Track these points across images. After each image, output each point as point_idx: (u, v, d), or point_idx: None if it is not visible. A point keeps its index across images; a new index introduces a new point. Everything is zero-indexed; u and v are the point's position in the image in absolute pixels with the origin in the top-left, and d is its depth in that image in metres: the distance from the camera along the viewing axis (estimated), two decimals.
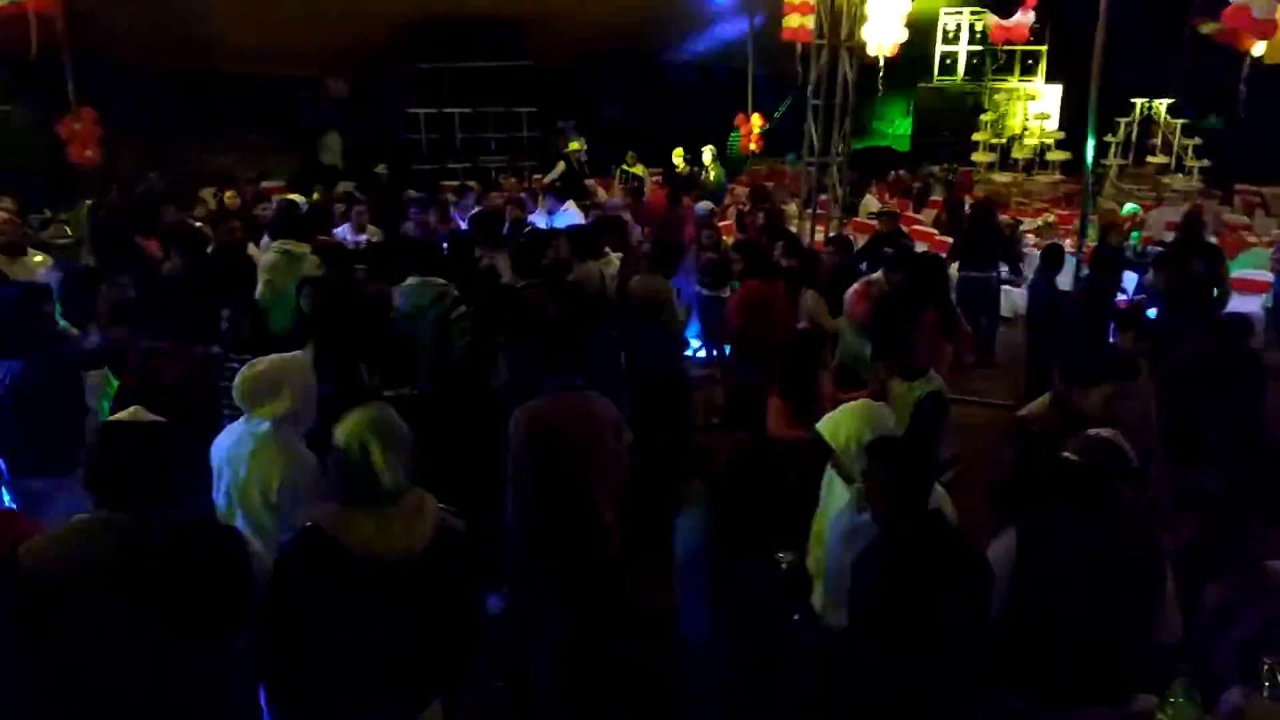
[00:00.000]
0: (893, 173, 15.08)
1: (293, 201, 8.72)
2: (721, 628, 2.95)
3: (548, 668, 3.95)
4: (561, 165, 13.48)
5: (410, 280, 5.53)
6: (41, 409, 4.02)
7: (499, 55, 15.07)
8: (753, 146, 14.26)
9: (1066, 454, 3.08)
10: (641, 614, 4.69)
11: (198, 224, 8.37)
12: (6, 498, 2.91)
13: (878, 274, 6.29)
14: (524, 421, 3.73)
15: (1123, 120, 15.59)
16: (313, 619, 2.41)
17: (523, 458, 3.69)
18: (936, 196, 13.58)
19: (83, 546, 2.24)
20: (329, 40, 14.47)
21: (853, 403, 3.58)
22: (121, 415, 2.36)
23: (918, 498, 2.86)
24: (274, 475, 3.35)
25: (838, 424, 3.44)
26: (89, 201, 9.38)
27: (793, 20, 10.79)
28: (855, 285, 6.23)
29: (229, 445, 3.48)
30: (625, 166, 13.80)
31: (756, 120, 14.09)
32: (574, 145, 14.13)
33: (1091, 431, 3.32)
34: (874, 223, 9.99)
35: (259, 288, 6.14)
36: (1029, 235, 11.37)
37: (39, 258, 6.63)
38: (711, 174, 12.92)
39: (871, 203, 11.89)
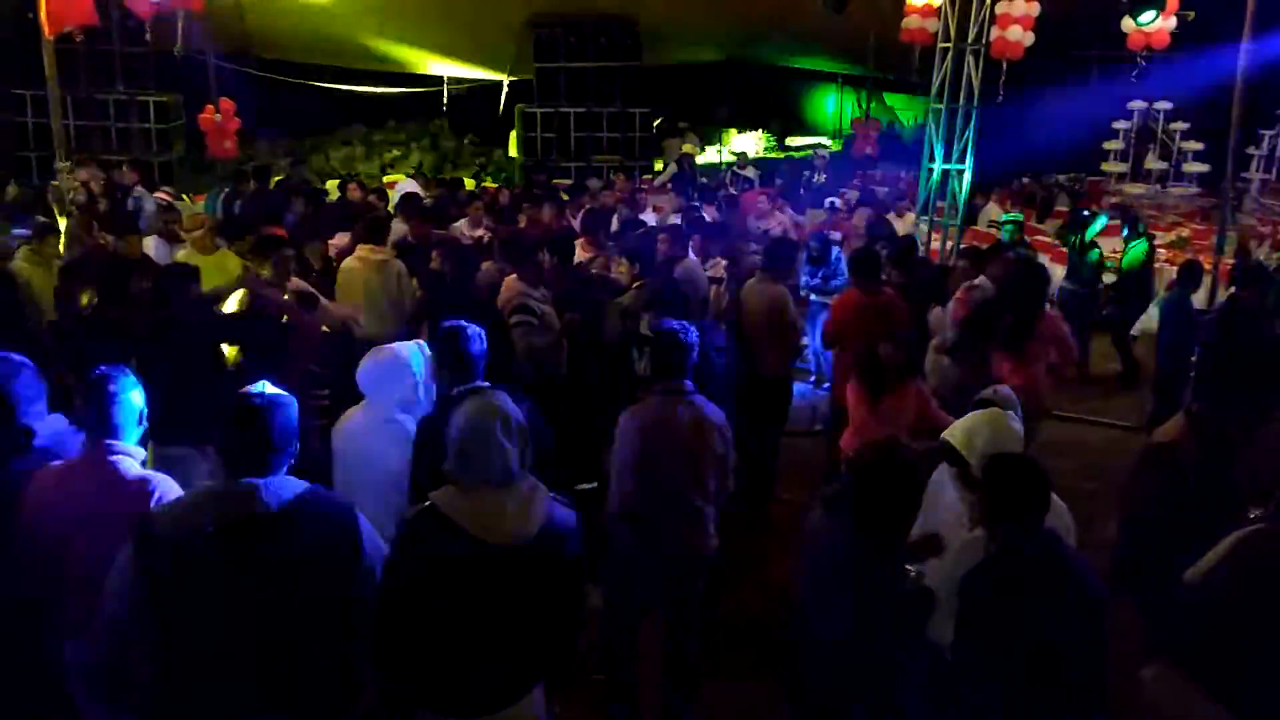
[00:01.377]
0: (1016, 180, 14.55)
1: (415, 194, 8.97)
2: (849, 633, 2.88)
3: (644, 663, 3.96)
4: (674, 166, 13.50)
5: None
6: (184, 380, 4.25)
7: (614, 56, 15.21)
8: (868, 150, 13.99)
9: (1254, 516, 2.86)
10: (736, 614, 4.69)
11: None
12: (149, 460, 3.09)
13: (980, 278, 6.08)
14: (632, 422, 3.75)
15: (1266, 133, 14.65)
16: (424, 596, 2.47)
17: (629, 457, 3.70)
18: (1062, 206, 13.05)
19: (209, 510, 2.34)
20: (451, 40, 14.90)
21: (984, 413, 3.48)
22: (250, 389, 2.45)
23: (1035, 518, 2.76)
24: (391, 457, 3.47)
25: (971, 434, 3.34)
26: (225, 190, 9.87)
27: (912, 22, 10.49)
28: (958, 291, 6.04)
29: (350, 427, 3.62)
30: (736, 169, 13.73)
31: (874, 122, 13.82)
32: (687, 147, 14.14)
33: None
34: (994, 231, 9.66)
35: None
36: (1159, 250, 10.78)
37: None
38: (820, 177, 12.76)
39: (993, 210, 11.50)
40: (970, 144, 9.25)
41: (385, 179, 13.66)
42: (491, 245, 7.51)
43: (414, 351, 3.68)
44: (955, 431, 3.43)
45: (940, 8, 9.24)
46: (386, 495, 3.41)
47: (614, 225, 8.13)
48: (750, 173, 13.42)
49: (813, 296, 7.77)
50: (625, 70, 15.28)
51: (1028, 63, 9.30)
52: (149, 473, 2.79)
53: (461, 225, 8.46)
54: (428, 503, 2.53)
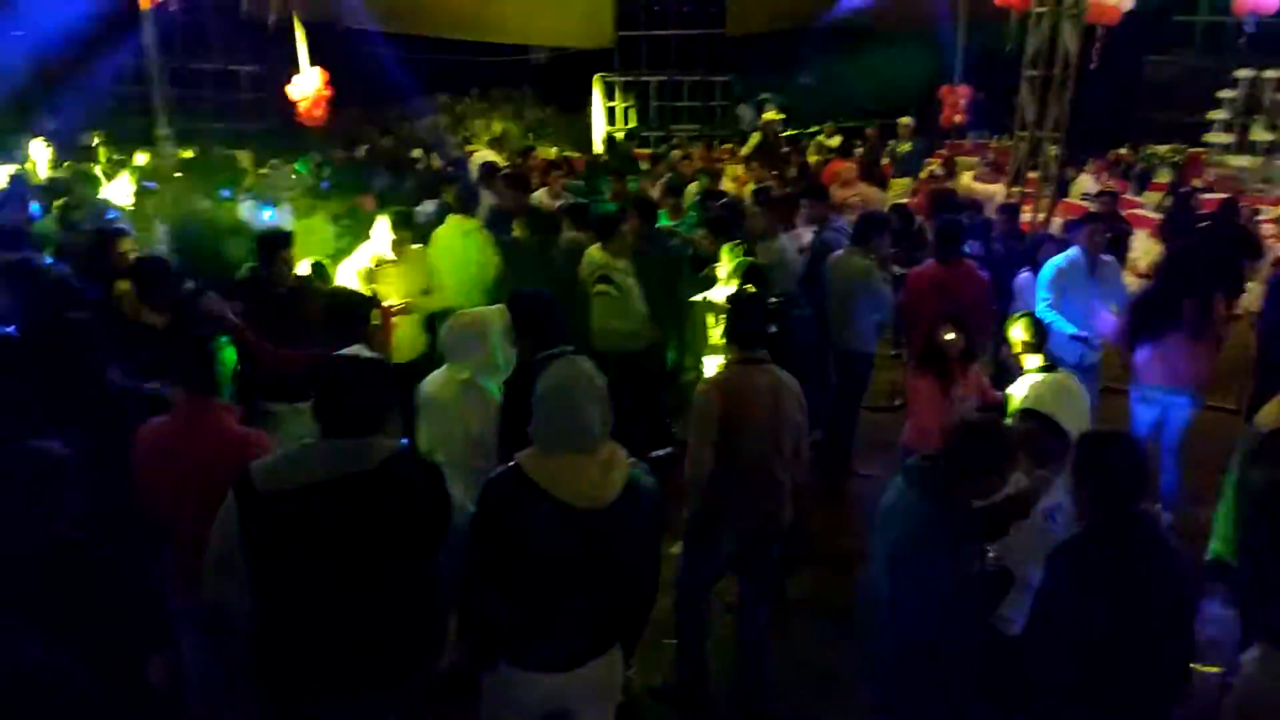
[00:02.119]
0: (1113, 151, 13.95)
1: (494, 163, 9.08)
2: (930, 609, 2.87)
3: (718, 631, 4.00)
4: (758, 136, 13.31)
5: None
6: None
7: (698, 23, 15.04)
8: (957, 119, 13.57)
9: None
10: (808, 586, 4.69)
11: None
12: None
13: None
14: (713, 391, 3.75)
15: None
16: (508, 555, 2.54)
17: (709, 426, 3.70)
18: (1160, 180, 12.48)
19: (306, 467, 2.44)
20: (532, 8, 14.92)
21: (1058, 377, 3.43)
22: (345, 351, 2.54)
23: (1133, 496, 2.70)
24: (471, 419, 3.58)
25: (1044, 399, 3.29)
26: (317, 159, 10.12)
27: None
28: None
29: (431, 389, 3.71)
30: (821, 139, 13.47)
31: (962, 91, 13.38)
32: (769, 115, 13.91)
33: None
34: (1087, 204, 9.31)
35: None
36: (1266, 225, 10.25)
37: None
38: (904, 146, 12.42)
39: (1087, 183, 11.06)
40: (1064, 113, 8.92)
41: (467, 149, 13.81)
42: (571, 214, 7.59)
43: (494, 317, 3.75)
44: (1032, 398, 3.36)
45: None
46: (464, 456, 3.50)
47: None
48: (833, 141, 13.17)
49: (896, 269, 7.62)
50: (708, 38, 15.11)
51: (1126, 28, 8.91)
52: (248, 429, 2.92)
53: (541, 195, 8.53)
54: (512, 463, 2.60)
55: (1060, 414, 3.66)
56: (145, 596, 2.50)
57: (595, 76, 15.79)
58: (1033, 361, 4.26)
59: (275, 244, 4.86)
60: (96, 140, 10.14)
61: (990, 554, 3.06)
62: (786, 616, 4.30)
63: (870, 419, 6.44)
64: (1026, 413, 3.75)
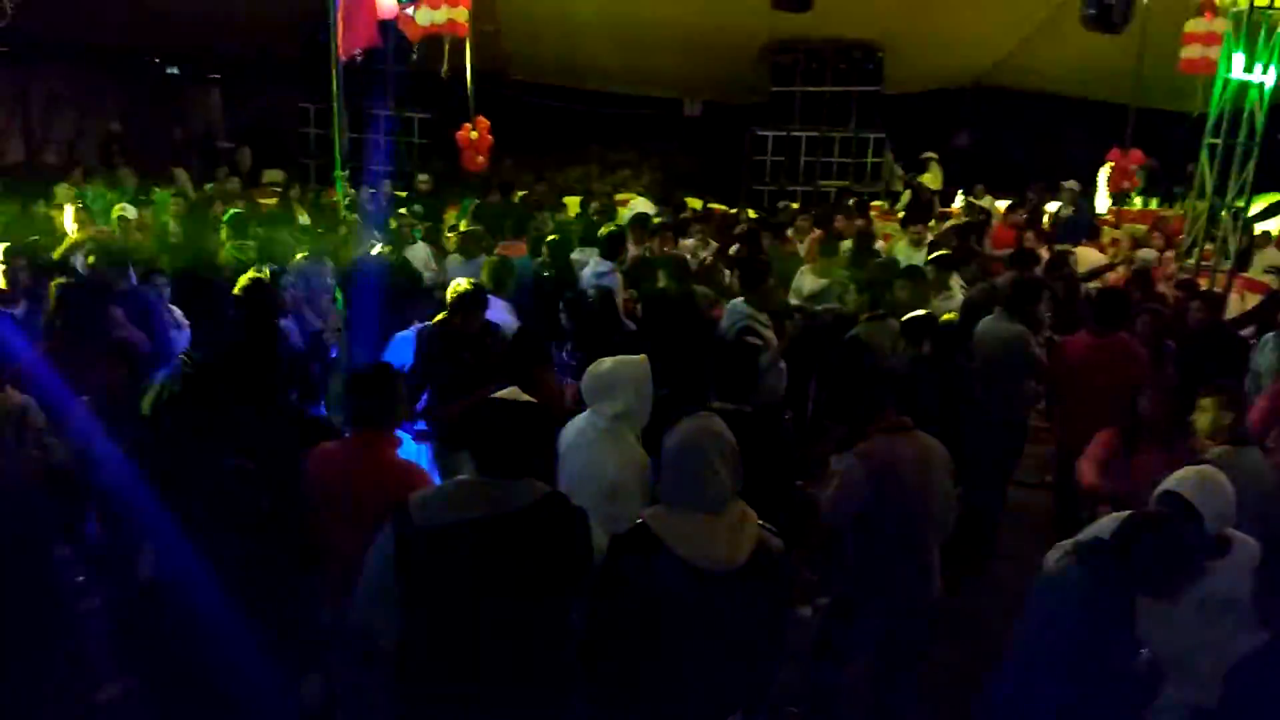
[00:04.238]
0: None
1: (645, 214, 9.27)
2: (1080, 698, 2.71)
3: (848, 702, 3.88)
4: (908, 194, 13.10)
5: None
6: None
7: (853, 80, 14.98)
8: (1125, 184, 12.95)
9: None
10: (948, 668, 4.48)
11: None
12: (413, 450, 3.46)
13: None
14: (862, 459, 3.66)
15: None
16: (632, 613, 2.54)
17: (855, 498, 3.63)
18: None
19: (461, 503, 2.54)
20: (689, 63, 15.24)
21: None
22: (502, 394, 2.64)
23: None
24: (608, 467, 3.61)
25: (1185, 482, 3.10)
26: (476, 201, 10.60)
27: (1193, 50, 9.67)
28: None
29: (572, 434, 3.79)
30: (972, 199, 13.12)
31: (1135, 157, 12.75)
32: (925, 177, 13.68)
33: None
34: (1269, 279, 8.68)
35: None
36: None
37: None
38: (1067, 210, 11.92)
39: (1273, 255, 10.29)
40: (1249, 183, 8.39)
41: (617, 197, 14.16)
42: (713, 266, 7.67)
43: (635, 365, 3.80)
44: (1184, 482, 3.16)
45: (1224, 34, 8.47)
46: (600, 503, 3.53)
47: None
48: (986, 202, 12.80)
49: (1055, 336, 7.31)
50: (862, 95, 15.02)
51: None
52: (411, 461, 3.07)
53: (689, 244, 8.65)
54: (639, 521, 2.60)
55: (1203, 503, 3.36)
56: (302, 616, 2.65)
57: (746, 131, 15.94)
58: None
59: (477, 301, 5.00)
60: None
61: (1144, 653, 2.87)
62: (921, 695, 4.13)
63: (1017, 495, 6.15)
64: (1166, 495, 3.49)
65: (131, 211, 8.33)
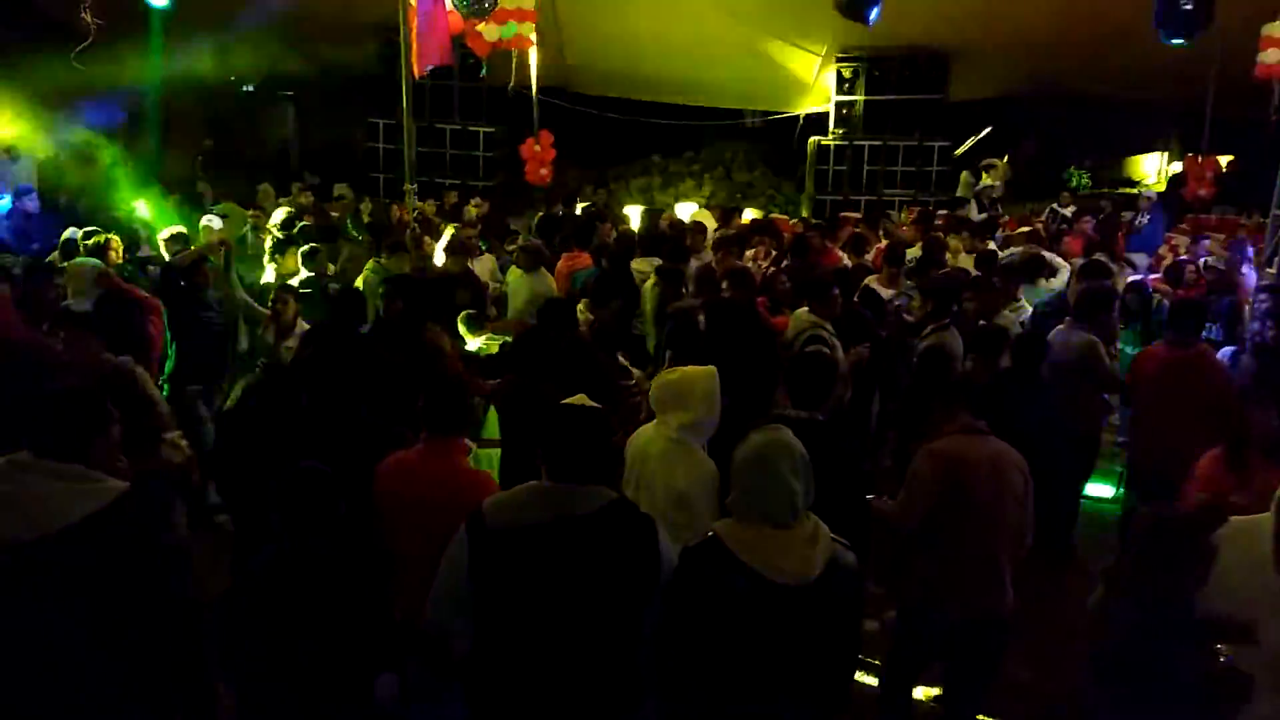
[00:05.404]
0: None
1: (703, 224, 9.31)
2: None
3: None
4: (973, 202, 12.92)
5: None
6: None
7: (918, 88, 14.82)
8: (1202, 192, 12.59)
9: None
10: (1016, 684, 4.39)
11: None
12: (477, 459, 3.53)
13: None
14: (932, 460, 3.61)
15: None
16: (703, 626, 2.54)
17: (926, 497, 3.58)
18: None
19: (531, 508, 2.58)
20: (750, 74, 15.25)
21: None
22: (571, 400, 2.69)
23: None
24: (676, 477, 3.62)
25: None
26: (540, 214, 10.75)
27: (1270, 55, 9.38)
28: None
29: (641, 443, 3.81)
30: (1056, 206, 12.90)
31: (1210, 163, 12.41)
32: (987, 180, 13.48)
33: None
34: None
35: None
36: None
37: None
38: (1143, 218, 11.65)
39: None
40: None
41: (677, 206, 14.21)
42: (775, 277, 7.64)
43: (703, 376, 3.81)
44: None
45: None
46: (667, 512, 3.55)
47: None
48: (1068, 210, 12.57)
49: (1126, 348, 7.15)
50: (927, 103, 14.85)
51: None
52: (479, 470, 3.15)
53: (753, 254, 8.64)
54: (710, 534, 2.61)
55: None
56: (381, 615, 2.72)
57: (810, 140, 15.86)
58: None
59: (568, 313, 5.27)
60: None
61: (1221, 651, 2.76)
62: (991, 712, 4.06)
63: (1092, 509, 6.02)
64: None
65: (217, 223, 8.59)
